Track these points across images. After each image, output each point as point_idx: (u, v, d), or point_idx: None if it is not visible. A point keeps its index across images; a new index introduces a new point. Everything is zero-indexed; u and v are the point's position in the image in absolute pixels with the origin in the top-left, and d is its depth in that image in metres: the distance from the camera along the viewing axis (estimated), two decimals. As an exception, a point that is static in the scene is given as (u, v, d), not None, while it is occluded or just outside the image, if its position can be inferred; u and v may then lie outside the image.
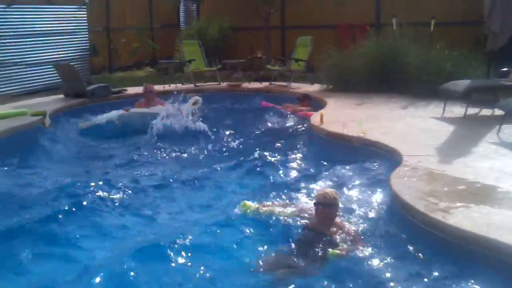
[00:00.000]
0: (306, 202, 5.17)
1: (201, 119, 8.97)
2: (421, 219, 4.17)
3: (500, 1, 8.60)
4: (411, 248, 4.18)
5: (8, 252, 4.35)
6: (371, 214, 4.89)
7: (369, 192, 5.40)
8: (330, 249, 4.09)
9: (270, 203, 4.96)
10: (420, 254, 4.06)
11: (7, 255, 4.30)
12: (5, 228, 4.79)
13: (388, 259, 4.09)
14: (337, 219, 4.47)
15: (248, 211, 4.75)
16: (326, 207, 4.35)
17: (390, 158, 5.92)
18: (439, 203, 4.30)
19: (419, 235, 4.19)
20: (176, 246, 4.38)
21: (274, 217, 4.68)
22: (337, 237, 4.28)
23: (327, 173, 6.18)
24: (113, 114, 9.09)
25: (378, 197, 5.22)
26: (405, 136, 6.65)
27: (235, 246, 4.41)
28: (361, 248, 4.21)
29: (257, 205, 4.83)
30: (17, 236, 4.70)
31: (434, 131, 7.06)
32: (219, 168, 6.71)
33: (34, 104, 10.15)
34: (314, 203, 4.47)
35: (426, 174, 5.11)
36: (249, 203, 4.82)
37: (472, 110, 7.92)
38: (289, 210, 4.76)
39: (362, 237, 4.39)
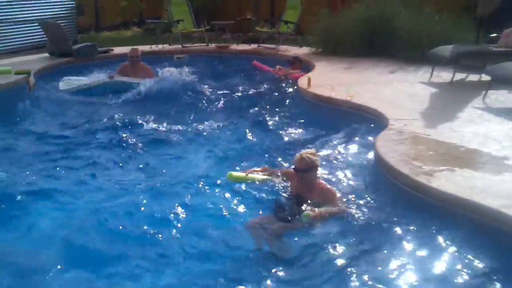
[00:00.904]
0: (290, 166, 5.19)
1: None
2: (405, 182, 4.22)
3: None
4: (395, 210, 4.23)
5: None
6: (356, 177, 4.94)
7: (355, 155, 5.45)
8: (303, 212, 4.10)
9: (256, 169, 4.95)
10: (404, 217, 4.11)
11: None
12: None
13: (372, 222, 4.15)
14: (319, 181, 4.48)
15: (235, 180, 4.79)
16: (304, 171, 4.33)
17: (376, 122, 5.94)
18: (423, 166, 4.34)
19: (403, 198, 4.24)
20: (166, 210, 4.41)
21: (259, 184, 4.71)
22: (316, 199, 4.29)
23: (313, 136, 6.23)
24: (95, 79, 9.04)
25: (363, 160, 5.27)
26: (392, 101, 6.65)
27: (224, 211, 4.42)
28: (338, 210, 4.20)
29: (242, 174, 4.83)
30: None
31: (421, 95, 7.07)
32: (206, 131, 6.73)
33: (19, 62, 9.99)
34: (293, 169, 4.44)
35: (411, 138, 5.14)
36: (235, 173, 4.84)
37: (459, 76, 7.93)
38: (273, 175, 4.78)
39: (344, 199, 4.41)
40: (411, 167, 4.35)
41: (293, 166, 4.45)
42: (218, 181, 4.93)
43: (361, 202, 4.43)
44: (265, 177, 4.77)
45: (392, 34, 9.88)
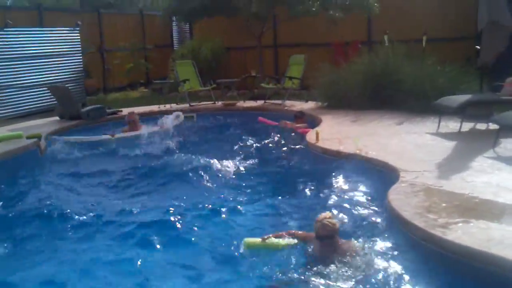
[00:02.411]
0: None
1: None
2: (421, 235, 4.17)
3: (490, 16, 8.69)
4: (410, 264, 4.17)
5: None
6: (370, 232, 4.88)
7: (367, 209, 5.41)
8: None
9: (271, 235, 4.80)
10: (419, 271, 4.05)
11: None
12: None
13: (387, 276, 4.08)
14: (341, 240, 4.44)
15: (251, 247, 4.65)
16: (329, 238, 4.32)
17: (387, 174, 5.93)
18: (438, 219, 4.30)
19: (418, 251, 4.19)
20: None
21: (277, 250, 4.59)
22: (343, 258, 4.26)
23: (323, 191, 6.19)
24: (99, 138, 9.37)
25: (376, 214, 5.23)
26: (401, 152, 6.67)
27: (241, 281, 4.31)
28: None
29: (258, 240, 4.70)
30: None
31: (430, 146, 7.09)
32: (212, 189, 6.73)
33: (29, 126, 10.14)
34: (317, 237, 4.38)
35: (423, 190, 5.11)
36: (250, 240, 4.72)
37: (467, 125, 7.97)
38: (291, 239, 4.68)
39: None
40: (426, 219, 4.31)
41: (315, 233, 4.39)
42: (232, 248, 4.81)
43: (375, 256, 4.36)
44: (283, 242, 4.64)
45: (396, 86, 10.00)
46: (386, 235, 4.74)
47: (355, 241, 4.54)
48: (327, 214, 4.48)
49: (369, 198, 5.65)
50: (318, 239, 4.37)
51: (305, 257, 4.46)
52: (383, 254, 4.40)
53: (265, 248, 4.62)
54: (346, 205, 5.57)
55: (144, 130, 9.63)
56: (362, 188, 5.95)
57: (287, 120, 10.11)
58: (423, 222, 4.26)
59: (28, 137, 8.56)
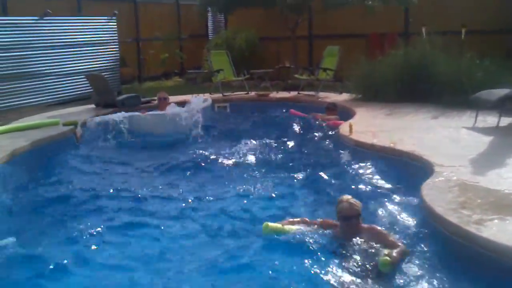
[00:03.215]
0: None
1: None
2: (454, 232, 4.10)
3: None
4: (443, 261, 4.12)
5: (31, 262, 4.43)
6: (402, 227, 4.83)
7: (400, 203, 5.34)
8: (379, 258, 4.00)
9: (292, 219, 4.81)
10: (452, 268, 3.99)
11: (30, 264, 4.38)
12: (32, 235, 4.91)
13: (419, 272, 4.04)
14: (361, 224, 4.44)
15: (271, 231, 4.59)
16: (355, 218, 4.35)
17: (421, 169, 5.84)
18: (473, 215, 4.22)
19: (451, 248, 4.12)
20: (198, 265, 4.40)
21: (298, 234, 4.55)
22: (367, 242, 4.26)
23: (356, 184, 6.13)
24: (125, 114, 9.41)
25: (409, 208, 5.16)
26: (436, 147, 6.55)
27: (261, 266, 4.26)
28: (402, 249, 4.17)
29: (279, 225, 4.66)
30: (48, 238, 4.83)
31: (466, 141, 6.95)
32: (244, 178, 6.75)
33: (66, 113, 10.34)
34: (339, 218, 4.42)
35: (458, 185, 5.02)
36: (271, 224, 4.64)
37: (505, 120, 7.76)
38: (311, 226, 4.67)
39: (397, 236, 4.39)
40: (460, 215, 4.23)
41: (338, 215, 4.41)
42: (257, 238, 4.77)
43: (410, 254, 4.30)
44: (303, 227, 4.63)
45: (433, 79, 9.83)
46: (418, 231, 4.67)
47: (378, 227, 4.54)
48: (347, 195, 4.54)
49: (402, 192, 5.57)
50: (343, 220, 4.40)
51: (327, 242, 4.44)
52: (413, 249, 4.34)
53: (283, 232, 4.58)
54: (378, 199, 5.51)
55: (169, 109, 9.68)
56: (395, 182, 5.87)
57: (318, 112, 10.06)
58: (457, 218, 4.19)
59: (64, 124, 8.74)
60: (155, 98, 11.87)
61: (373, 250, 4.20)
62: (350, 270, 4.06)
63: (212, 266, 4.35)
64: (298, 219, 4.84)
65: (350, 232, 4.37)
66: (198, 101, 10.15)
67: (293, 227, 4.63)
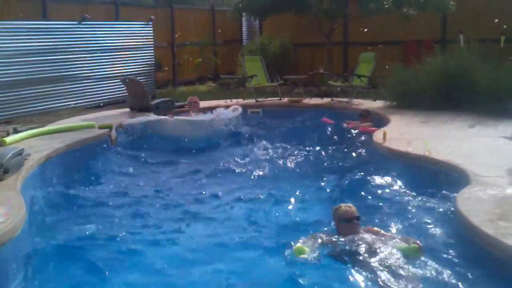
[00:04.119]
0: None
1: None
2: (490, 243, 3.99)
3: None
4: (479, 274, 4.02)
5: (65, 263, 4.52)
6: (437, 237, 4.75)
7: (434, 213, 5.24)
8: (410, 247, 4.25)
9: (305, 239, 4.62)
10: (488, 281, 3.90)
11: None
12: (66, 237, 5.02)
13: (453, 284, 3.95)
14: (365, 227, 4.64)
15: (304, 255, 4.31)
16: (353, 220, 4.55)
17: (456, 178, 5.70)
18: (510, 227, 4.10)
19: (488, 260, 4.01)
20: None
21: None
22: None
23: (390, 192, 6.07)
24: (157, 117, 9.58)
25: (443, 219, 5.05)
26: (473, 156, 6.41)
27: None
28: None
29: (310, 244, 4.46)
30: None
31: (504, 151, 6.78)
32: (276, 184, 6.74)
33: (102, 117, 10.50)
34: (345, 220, 4.56)
35: (495, 196, 4.89)
36: (303, 247, 4.36)
37: (545, 130, 7.57)
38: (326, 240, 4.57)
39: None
40: (497, 227, 4.12)
41: (343, 219, 4.57)
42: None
43: (441, 263, 4.23)
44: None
45: (470, 87, 9.64)
46: (453, 242, 4.58)
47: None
48: (341, 204, 4.77)
49: (437, 202, 5.46)
50: (346, 222, 4.56)
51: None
52: (447, 260, 4.27)
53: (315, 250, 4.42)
54: (412, 208, 5.44)
55: (196, 116, 9.76)
56: (430, 191, 5.76)
57: (351, 120, 9.98)
58: (493, 229, 4.07)
59: (100, 127, 8.87)
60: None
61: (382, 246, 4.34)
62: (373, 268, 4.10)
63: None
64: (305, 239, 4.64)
65: (356, 230, 4.52)
66: (227, 112, 10.14)
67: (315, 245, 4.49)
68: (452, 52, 10.66)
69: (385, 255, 4.24)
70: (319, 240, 4.51)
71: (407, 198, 5.74)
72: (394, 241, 4.48)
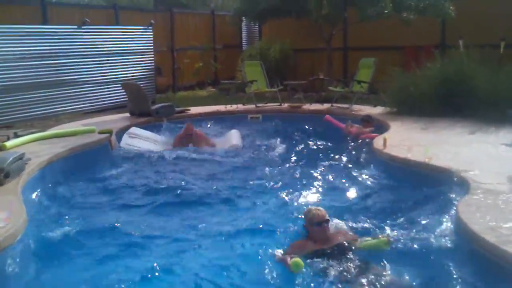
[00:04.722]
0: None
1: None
2: (492, 251, 3.99)
3: None
4: (480, 282, 4.01)
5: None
6: (436, 245, 4.72)
7: (434, 221, 5.22)
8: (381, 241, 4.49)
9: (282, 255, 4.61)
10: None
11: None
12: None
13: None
14: (335, 230, 4.84)
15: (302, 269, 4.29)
16: (324, 223, 4.63)
17: (457, 185, 5.70)
18: (511, 234, 4.10)
19: (488, 268, 4.00)
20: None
21: None
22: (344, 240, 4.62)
23: (389, 199, 6.07)
24: (158, 146, 9.39)
25: (444, 226, 5.03)
26: (474, 163, 6.40)
27: None
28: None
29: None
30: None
31: (505, 158, 6.78)
32: (274, 191, 6.73)
33: (102, 122, 10.50)
34: (317, 224, 4.62)
35: (496, 204, 4.88)
36: (299, 261, 4.27)
37: (546, 136, 7.57)
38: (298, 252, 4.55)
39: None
40: (498, 234, 4.11)
41: (315, 222, 4.63)
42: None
43: (441, 271, 4.24)
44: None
45: (470, 93, 9.64)
46: (453, 249, 4.57)
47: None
48: (310, 207, 4.90)
49: (438, 209, 5.45)
50: (317, 226, 4.63)
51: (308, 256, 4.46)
52: (447, 268, 4.27)
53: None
54: (412, 215, 5.42)
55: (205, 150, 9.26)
56: (430, 198, 5.75)
57: (354, 123, 9.96)
58: (494, 237, 4.07)
59: (100, 132, 8.87)
60: (189, 108, 12.00)
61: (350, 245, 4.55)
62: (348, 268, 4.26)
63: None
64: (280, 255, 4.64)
65: (324, 238, 4.61)
66: (236, 135, 9.85)
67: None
68: (452, 58, 10.66)
69: (355, 256, 4.42)
70: (302, 250, 4.54)
71: (407, 206, 5.74)
72: (364, 239, 4.68)
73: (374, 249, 4.54)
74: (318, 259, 4.38)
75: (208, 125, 10.89)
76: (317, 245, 4.59)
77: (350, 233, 4.89)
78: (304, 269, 4.23)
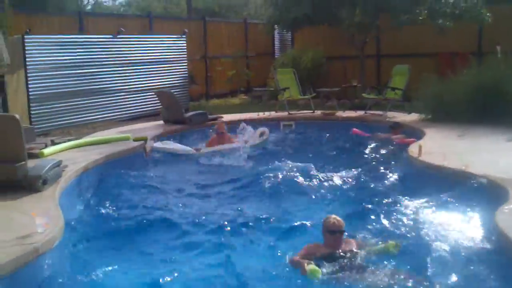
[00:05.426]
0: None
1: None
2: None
3: None
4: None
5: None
6: (474, 253, 4.64)
7: (472, 229, 5.14)
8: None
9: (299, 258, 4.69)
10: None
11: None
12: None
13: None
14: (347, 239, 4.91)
15: (319, 275, 4.35)
16: (337, 233, 4.74)
17: (495, 193, 5.59)
18: (552, 244, 4.00)
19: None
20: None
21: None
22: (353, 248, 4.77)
23: (424, 208, 5.96)
24: (186, 149, 9.45)
25: (481, 235, 4.95)
26: (511, 171, 6.26)
27: None
28: None
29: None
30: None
31: (543, 165, 6.60)
32: (307, 198, 6.71)
33: (137, 129, 10.66)
34: (330, 232, 4.75)
35: (536, 213, 4.77)
36: (316, 268, 4.36)
37: None
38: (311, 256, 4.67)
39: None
40: (538, 244, 4.03)
41: (331, 230, 4.75)
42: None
43: (479, 279, 4.17)
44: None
45: (507, 100, 9.43)
46: (491, 258, 4.48)
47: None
48: (334, 215, 4.91)
49: (475, 218, 5.36)
50: (330, 234, 4.75)
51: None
52: (485, 275, 4.19)
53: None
54: (449, 223, 5.33)
55: (226, 146, 9.45)
56: (467, 207, 5.64)
57: (381, 132, 9.89)
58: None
59: (135, 140, 9.00)
60: (221, 115, 12.07)
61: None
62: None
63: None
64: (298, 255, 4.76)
65: (335, 246, 4.73)
66: (254, 134, 9.88)
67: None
68: (489, 64, 10.46)
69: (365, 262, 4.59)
70: (315, 253, 4.68)
71: (444, 214, 5.64)
72: (372, 248, 4.85)
73: (382, 253, 4.73)
74: (329, 263, 4.50)
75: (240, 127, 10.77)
76: (329, 250, 4.72)
77: (361, 241, 5.03)
78: (320, 276, 4.30)
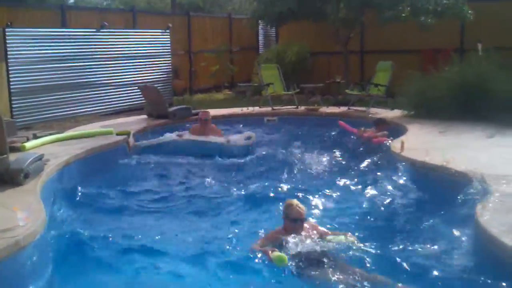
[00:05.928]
0: None
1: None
2: (509, 254, 3.95)
3: None
4: (498, 285, 3.96)
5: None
6: (454, 248, 4.69)
7: (453, 224, 5.19)
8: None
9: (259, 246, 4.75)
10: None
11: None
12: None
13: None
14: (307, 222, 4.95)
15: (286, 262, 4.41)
16: (298, 221, 4.74)
17: (476, 188, 5.64)
18: (531, 238, 4.06)
19: (507, 272, 3.97)
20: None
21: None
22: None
23: (406, 203, 6.03)
24: (168, 137, 9.34)
25: (462, 229, 5.00)
26: (493, 167, 6.32)
27: None
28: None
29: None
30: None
31: (524, 161, 6.70)
32: (288, 194, 6.70)
33: (120, 124, 10.60)
34: (291, 219, 4.73)
35: (515, 207, 4.84)
36: (282, 255, 4.42)
37: None
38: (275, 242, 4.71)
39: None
40: (517, 238, 4.08)
41: (292, 218, 4.74)
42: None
43: (459, 274, 4.22)
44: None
45: (489, 96, 9.54)
46: (471, 252, 4.55)
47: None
48: (296, 200, 4.93)
49: (455, 213, 5.41)
50: (291, 222, 4.75)
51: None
52: (465, 271, 4.24)
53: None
54: (429, 218, 5.40)
55: (212, 138, 9.33)
56: (448, 202, 5.70)
57: (366, 127, 9.94)
58: (513, 240, 4.04)
59: (118, 134, 8.95)
60: (207, 110, 12.01)
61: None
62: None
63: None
64: (259, 243, 4.79)
65: (296, 231, 4.72)
66: (240, 136, 9.76)
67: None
68: (470, 61, 10.57)
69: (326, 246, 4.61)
70: (276, 240, 4.68)
71: (425, 209, 5.72)
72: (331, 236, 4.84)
73: (339, 243, 4.72)
74: (292, 249, 4.51)
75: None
76: (290, 235, 4.69)
77: (322, 228, 5.02)
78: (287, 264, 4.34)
